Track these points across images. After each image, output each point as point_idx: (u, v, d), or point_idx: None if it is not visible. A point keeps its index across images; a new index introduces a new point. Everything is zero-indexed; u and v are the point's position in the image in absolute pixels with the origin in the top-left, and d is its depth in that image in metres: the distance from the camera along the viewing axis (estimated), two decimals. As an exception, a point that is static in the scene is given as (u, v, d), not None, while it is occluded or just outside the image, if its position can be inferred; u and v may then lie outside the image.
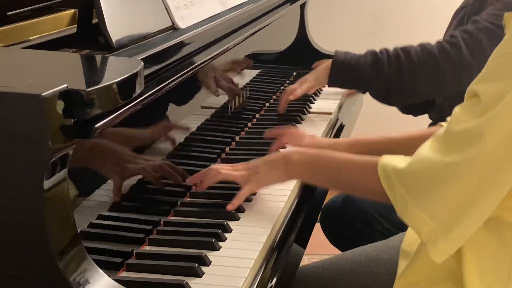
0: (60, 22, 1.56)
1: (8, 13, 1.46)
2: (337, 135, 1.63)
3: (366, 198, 1.17)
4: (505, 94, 0.89)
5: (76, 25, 1.51)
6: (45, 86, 0.75)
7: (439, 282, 1.05)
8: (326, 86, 1.66)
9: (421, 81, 1.57)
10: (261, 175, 1.15)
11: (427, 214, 0.93)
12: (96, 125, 0.81)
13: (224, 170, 1.18)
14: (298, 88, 1.64)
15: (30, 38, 1.21)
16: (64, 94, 0.76)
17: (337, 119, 1.70)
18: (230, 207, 1.12)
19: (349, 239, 1.66)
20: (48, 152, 0.75)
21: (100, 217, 1.04)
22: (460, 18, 1.71)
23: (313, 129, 1.56)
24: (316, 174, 1.13)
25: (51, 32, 1.25)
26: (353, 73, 1.59)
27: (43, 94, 0.73)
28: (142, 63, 0.91)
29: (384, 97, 1.61)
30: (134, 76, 0.87)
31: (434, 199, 0.93)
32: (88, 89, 0.78)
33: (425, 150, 0.97)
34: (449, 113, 1.33)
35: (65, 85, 0.77)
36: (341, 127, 1.67)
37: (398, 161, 0.99)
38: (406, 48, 1.58)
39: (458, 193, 0.92)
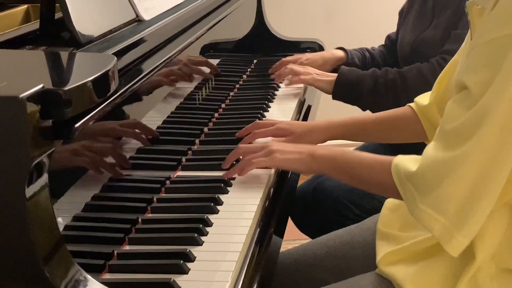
0: (14, 18, 1.50)
1: (-41, 12, 1.40)
2: (305, 117, 1.63)
3: (382, 195, 1.20)
4: (491, 81, 0.90)
5: (30, 22, 1.48)
6: (21, 87, 0.72)
7: (436, 253, 1.06)
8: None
9: None
10: (284, 156, 1.18)
11: (435, 211, 0.94)
12: (76, 125, 0.78)
13: (243, 146, 1.24)
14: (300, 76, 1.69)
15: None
16: (41, 95, 0.73)
17: (304, 100, 1.70)
18: (226, 175, 1.19)
19: (319, 227, 1.67)
20: (28, 157, 0.72)
21: (75, 218, 1.00)
22: (421, 3, 1.72)
23: (283, 112, 1.56)
24: (338, 170, 1.15)
25: (9, 30, 1.20)
26: (354, 93, 1.65)
27: (21, 95, 0.70)
28: (115, 58, 0.88)
29: None
30: (109, 72, 0.84)
31: (439, 195, 0.94)
32: (66, 88, 0.75)
33: (429, 150, 0.99)
34: None
35: (42, 85, 0.73)
36: (308, 108, 1.68)
37: (410, 163, 1.01)
38: (403, 72, 1.63)
39: (462, 187, 0.93)
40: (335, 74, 1.69)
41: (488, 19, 0.94)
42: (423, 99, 1.31)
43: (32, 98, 0.72)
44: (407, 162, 1.02)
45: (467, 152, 0.92)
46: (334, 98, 1.69)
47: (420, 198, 0.97)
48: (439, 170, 0.95)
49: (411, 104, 1.34)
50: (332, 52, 1.88)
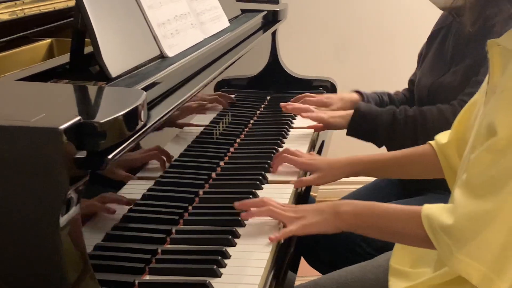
0: (38, 52, 1.55)
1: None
2: (319, 152, 1.67)
3: (412, 246, 1.18)
4: None
5: (54, 56, 1.52)
6: (60, 119, 0.75)
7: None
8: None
9: None
10: (307, 221, 1.16)
11: (474, 260, 0.96)
12: (109, 156, 0.81)
13: (274, 208, 1.19)
14: (311, 114, 1.68)
15: (16, 70, 1.20)
16: (78, 127, 0.76)
17: (317, 137, 1.73)
18: (272, 240, 1.14)
19: (329, 262, 1.68)
20: (64, 187, 0.75)
21: (97, 248, 1.03)
22: (441, 41, 1.75)
23: (297, 148, 1.59)
24: (365, 225, 1.15)
25: (38, 63, 1.24)
26: (370, 129, 1.64)
27: (60, 127, 0.73)
28: (145, 93, 0.92)
29: None
30: (140, 106, 0.87)
31: (477, 244, 0.96)
32: (102, 121, 0.78)
33: (461, 199, 0.99)
34: None
35: (79, 118, 0.77)
36: (322, 143, 1.71)
37: (442, 214, 1.01)
38: (424, 110, 1.63)
39: (500, 235, 0.95)
40: (346, 111, 1.70)
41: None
42: (443, 137, 1.34)
43: (70, 129, 0.75)
44: (438, 213, 1.02)
45: (504, 200, 0.94)
46: (348, 134, 1.69)
47: (456, 248, 0.97)
48: (477, 221, 0.96)
49: (431, 142, 1.37)
50: (350, 94, 1.88)
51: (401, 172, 1.45)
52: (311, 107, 1.74)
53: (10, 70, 1.24)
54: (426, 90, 1.73)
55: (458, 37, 1.69)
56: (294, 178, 1.43)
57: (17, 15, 1.50)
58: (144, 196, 1.18)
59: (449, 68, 1.70)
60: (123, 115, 0.83)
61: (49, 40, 1.58)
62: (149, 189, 1.21)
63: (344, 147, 1.69)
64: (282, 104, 1.74)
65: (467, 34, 1.63)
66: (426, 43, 1.83)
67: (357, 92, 1.89)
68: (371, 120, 1.65)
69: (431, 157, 1.35)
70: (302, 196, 1.42)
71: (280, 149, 1.60)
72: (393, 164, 1.41)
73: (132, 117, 0.86)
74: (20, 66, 1.29)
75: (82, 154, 0.78)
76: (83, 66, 1.13)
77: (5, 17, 1.49)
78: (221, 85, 1.67)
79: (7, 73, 1.19)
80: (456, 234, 0.98)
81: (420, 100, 1.77)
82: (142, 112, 0.88)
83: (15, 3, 1.49)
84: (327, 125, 1.71)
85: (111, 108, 0.87)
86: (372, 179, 1.90)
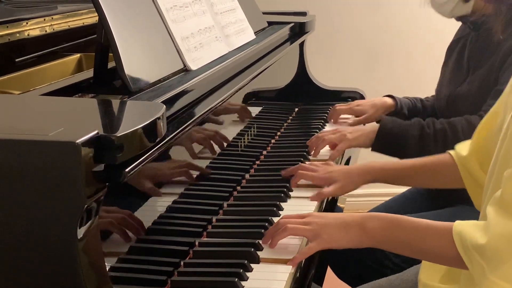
0: (67, 67, 1.58)
1: (16, 60, 1.48)
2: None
3: (440, 264, 1.14)
4: None
5: (83, 70, 1.55)
6: (77, 133, 0.76)
7: None
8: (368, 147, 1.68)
9: None
10: (331, 236, 1.11)
11: (508, 282, 0.93)
12: (127, 169, 0.81)
13: (291, 225, 1.14)
14: (337, 144, 1.64)
15: (45, 84, 1.22)
16: (96, 140, 0.77)
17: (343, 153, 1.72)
18: (291, 263, 1.10)
19: (357, 274, 1.66)
20: (82, 199, 0.76)
21: (120, 260, 1.03)
22: (459, 50, 1.74)
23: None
24: (393, 241, 1.10)
25: (64, 78, 1.27)
26: (398, 144, 1.60)
27: (77, 141, 0.74)
28: (164, 106, 0.93)
29: None
30: (159, 120, 0.88)
31: None
32: (119, 135, 0.79)
33: (495, 218, 0.96)
34: None
35: (96, 131, 0.78)
36: (348, 158, 1.70)
37: (475, 231, 0.98)
38: (452, 122, 1.59)
39: None
40: (369, 126, 1.67)
41: None
42: (463, 148, 1.31)
43: (87, 143, 0.76)
44: (471, 230, 0.99)
45: None
46: (373, 150, 1.66)
47: (490, 269, 0.94)
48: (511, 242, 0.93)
49: (451, 152, 1.34)
50: (382, 100, 1.86)
51: (421, 181, 1.43)
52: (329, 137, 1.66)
53: (40, 84, 1.26)
54: (444, 101, 1.73)
55: (473, 46, 1.68)
56: (316, 191, 1.42)
57: (46, 31, 1.53)
58: (168, 209, 1.18)
59: (466, 78, 1.68)
60: (141, 128, 0.83)
61: (78, 55, 1.61)
62: (174, 202, 1.21)
63: (373, 159, 1.66)
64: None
65: (490, 41, 1.61)
66: (446, 54, 1.82)
67: (390, 96, 1.87)
68: (398, 136, 1.61)
69: (451, 167, 1.32)
70: (327, 209, 1.40)
71: (307, 162, 1.59)
72: (414, 173, 1.39)
73: (150, 130, 0.86)
74: (50, 80, 1.32)
75: (99, 167, 0.79)
76: (107, 80, 1.15)
77: (35, 33, 1.52)
78: (249, 97, 1.68)
79: (36, 87, 1.22)
80: (489, 254, 0.95)
81: (440, 111, 1.76)
82: (161, 125, 0.89)
83: (44, 19, 1.53)
84: (350, 147, 1.68)
85: (129, 121, 0.88)
86: (401, 191, 1.88)
